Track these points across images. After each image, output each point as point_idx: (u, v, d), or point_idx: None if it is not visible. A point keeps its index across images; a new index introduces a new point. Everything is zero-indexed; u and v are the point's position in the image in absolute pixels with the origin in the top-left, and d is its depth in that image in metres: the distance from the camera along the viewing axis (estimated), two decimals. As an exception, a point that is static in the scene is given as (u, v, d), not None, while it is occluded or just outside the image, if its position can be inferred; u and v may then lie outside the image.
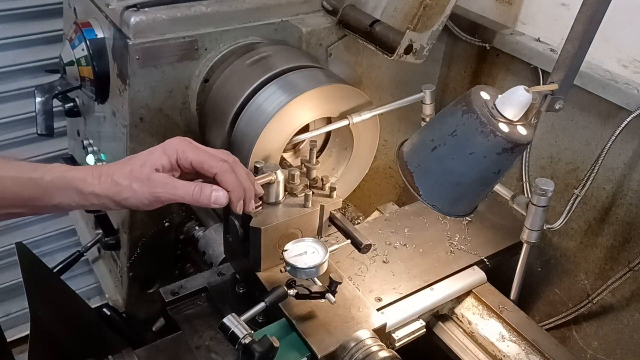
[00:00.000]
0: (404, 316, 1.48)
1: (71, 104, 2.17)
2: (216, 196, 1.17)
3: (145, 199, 1.15)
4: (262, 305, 1.25)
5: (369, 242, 1.38)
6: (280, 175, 1.38)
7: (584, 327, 1.85)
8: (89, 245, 2.23)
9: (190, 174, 1.21)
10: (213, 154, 1.20)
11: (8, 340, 2.55)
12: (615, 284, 1.67)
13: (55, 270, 2.11)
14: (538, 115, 1.40)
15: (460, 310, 1.59)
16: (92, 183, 1.13)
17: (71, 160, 2.38)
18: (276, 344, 1.16)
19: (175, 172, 1.20)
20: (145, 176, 1.14)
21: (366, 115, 1.64)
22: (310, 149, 1.48)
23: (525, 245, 1.53)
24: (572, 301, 1.85)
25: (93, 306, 1.82)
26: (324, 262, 1.29)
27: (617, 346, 1.78)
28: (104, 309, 1.59)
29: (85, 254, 2.25)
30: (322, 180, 1.45)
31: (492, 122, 1.21)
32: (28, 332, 1.19)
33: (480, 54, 2.08)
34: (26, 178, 1.13)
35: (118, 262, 2.14)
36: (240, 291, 1.48)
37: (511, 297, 1.62)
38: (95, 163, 2.08)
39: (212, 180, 1.19)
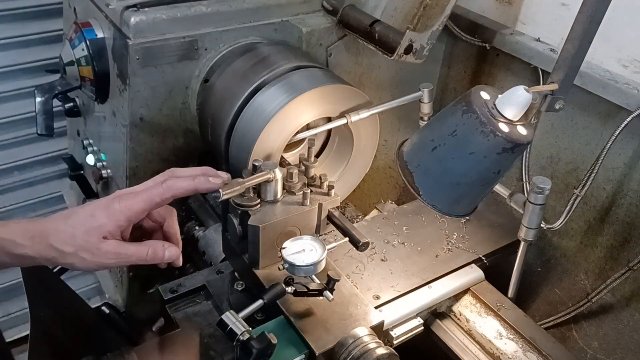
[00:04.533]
0: (402, 314, 1.49)
1: (71, 104, 2.17)
2: (169, 254, 1.16)
3: (94, 267, 1.11)
4: (260, 302, 1.25)
5: (366, 240, 1.38)
6: (279, 174, 1.38)
7: (584, 327, 1.85)
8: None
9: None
10: (152, 185, 1.18)
11: (8, 340, 2.56)
12: (614, 283, 1.67)
13: (55, 270, 2.11)
14: (538, 115, 1.40)
15: (458, 308, 1.59)
16: (23, 245, 1.07)
17: (71, 160, 2.37)
18: (274, 340, 1.16)
19: (124, 231, 1.15)
20: (94, 246, 1.09)
21: (364, 114, 1.64)
22: (309, 148, 1.49)
23: (522, 244, 1.53)
24: (572, 301, 1.85)
25: (93, 306, 1.81)
26: (322, 259, 1.29)
27: (617, 346, 1.78)
28: (103, 307, 1.59)
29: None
30: (320, 178, 1.45)
31: (492, 122, 1.21)
32: (28, 332, 1.19)
33: (480, 54, 2.08)
34: None
35: (118, 262, 2.14)
36: (239, 289, 1.48)
37: (509, 295, 1.62)
38: (95, 163, 2.07)
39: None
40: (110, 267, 1.12)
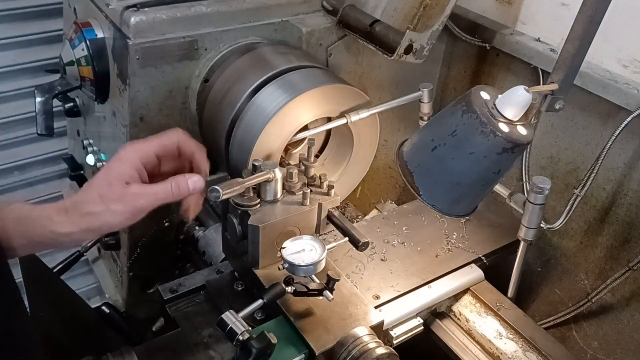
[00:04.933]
0: (402, 314, 1.49)
1: (71, 104, 2.17)
2: (194, 184, 1.17)
3: (128, 215, 1.11)
4: (260, 302, 1.25)
5: (366, 240, 1.38)
6: (279, 173, 1.38)
7: (584, 327, 1.85)
8: (88, 245, 2.22)
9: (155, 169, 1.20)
10: (163, 133, 1.21)
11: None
12: (614, 283, 1.67)
13: (55, 270, 2.11)
14: (538, 115, 1.40)
15: (458, 307, 1.59)
16: (60, 221, 1.08)
17: (71, 160, 2.37)
18: (274, 340, 1.16)
19: (142, 176, 1.16)
20: (120, 195, 1.10)
21: (364, 113, 1.64)
22: (308, 147, 1.49)
23: (522, 243, 1.53)
24: (572, 301, 1.85)
25: (93, 306, 1.82)
26: (321, 259, 1.29)
27: (617, 346, 1.78)
28: (103, 307, 1.60)
29: (85, 253, 2.25)
30: (320, 178, 1.45)
31: (492, 122, 1.21)
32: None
33: (480, 54, 2.08)
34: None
35: (118, 262, 2.14)
36: (239, 289, 1.48)
37: (509, 295, 1.62)
38: (95, 163, 2.07)
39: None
40: (144, 212, 1.12)
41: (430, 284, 1.57)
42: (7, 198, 1.14)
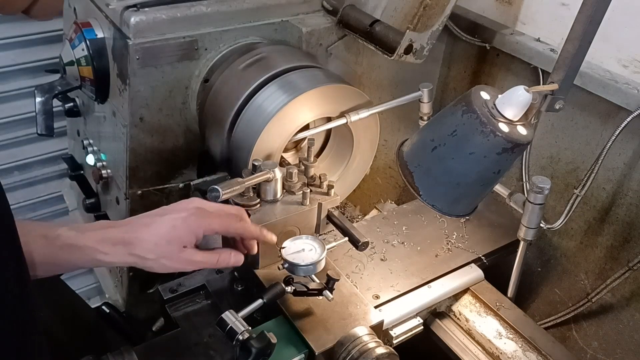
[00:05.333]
0: (402, 313, 1.49)
1: (71, 104, 2.17)
2: (236, 260, 1.27)
3: (171, 270, 1.20)
4: (260, 302, 1.25)
5: (366, 240, 1.38)
6: (278, 173, 1.38)
7: (583, 327, 1.85)
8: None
9: None
10: (230, 214, 1.26)
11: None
12: (614, 283, 1.67)
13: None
14: (538, 115, 1.40)
15: (458, 307, 1.59)
16: (106, 252, 1.15)
17: (71, 160, 2.37)
18: (274, 340, 1.16)
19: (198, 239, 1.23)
20: (174, 254, 1.17)
21: (364, 113, 1.64)
22: (308, 147, 1.49)
23: (522, 243, 1.53)
24: (572, 301, 1.85)
25: (93, 306, 1.81)
26: (321, 259, 1.29)
27: (617, 346, 1.78)
28: (103, 307, 1.59)
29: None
30: (319, 178, 1.46)
31: (492, 122, 1.21)
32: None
33: (480, 54, 2.08)
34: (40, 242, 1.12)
35: (118, 262, 2.14)
36: (239, 288, 1.48)
37: (508, 295, 1.62)
38: (95, 163, 2.07)
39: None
40: (184, 270, 1.24)
41: (430, 284, 1.57)
42: (53, 224, 1.17)
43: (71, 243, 1.13)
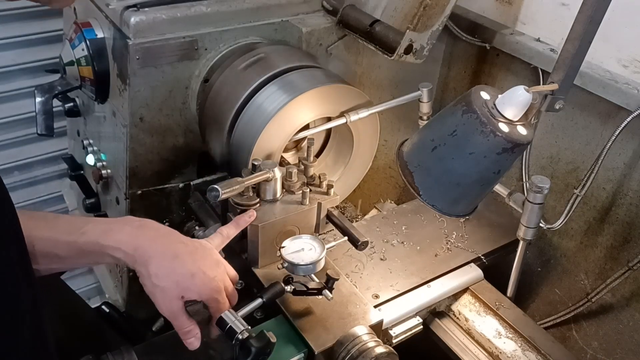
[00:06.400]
0: (401, 313, 1.49)
1: (71, 104, 2.17)
2: (195, 342, 1.21)
3: (156, 303, 1.17)
4: (259, 301, 1.26)
5: (366, 239, 1.38)
6: (278, 173, 1.38)
7: (583, 327, 1.85)
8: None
9: None
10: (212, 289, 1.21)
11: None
12: (614, 283, 1.67)
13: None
14: (538, 115, 1.40)
15: (457, 307, 1.59)
16: (127, 252, 1.14)
17: (71, 160, 2.37)
18: (273, 339, 1.16)
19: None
20: (175, 302, 1.15)
21: (363, 113, 1.65)
22: (308, 147, 1.49)
23: (521, 243, 1.53)
24: (572, 301, 1.85)
25: (93, 306, 1.81)
26: (321, 258, 1.29)
27: (617, 346, 1.78)
28: (103, 307, 1.59)
29: (85, 253, 2.25)
30: (319, 177, 1.46)
31: (492, 122, 1.21)
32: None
33: (480, 54, 2.08)
34: (62, 241, 1.14)
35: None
36: (238, 288, 1.48)
37: (508, 295, 1.62)
38: (95, 163, 2.07)
39: None
40: (161, 313, 1.20)
41: (430, 284, 1.57)
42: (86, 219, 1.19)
43: (95, 240, 1.14)
